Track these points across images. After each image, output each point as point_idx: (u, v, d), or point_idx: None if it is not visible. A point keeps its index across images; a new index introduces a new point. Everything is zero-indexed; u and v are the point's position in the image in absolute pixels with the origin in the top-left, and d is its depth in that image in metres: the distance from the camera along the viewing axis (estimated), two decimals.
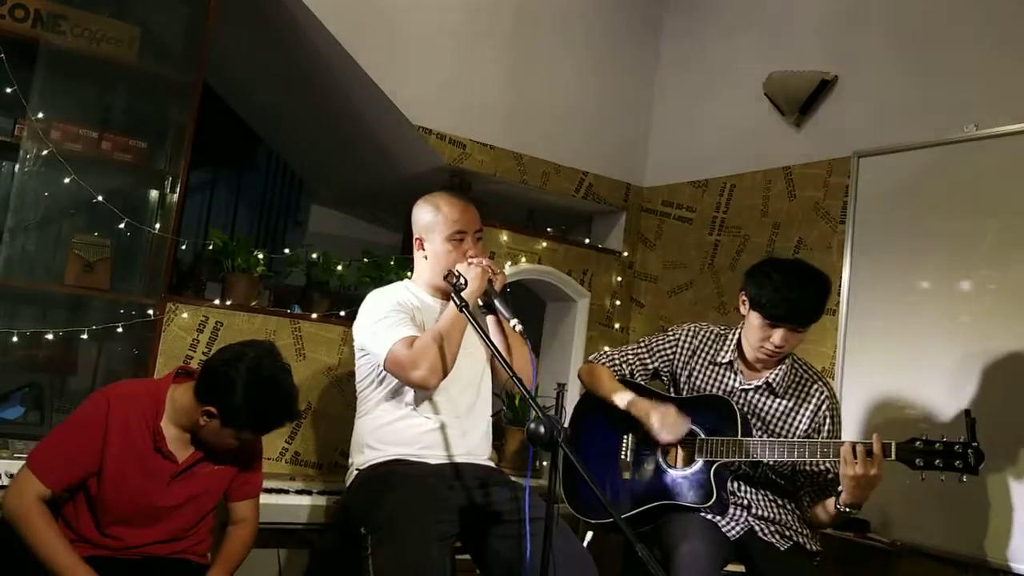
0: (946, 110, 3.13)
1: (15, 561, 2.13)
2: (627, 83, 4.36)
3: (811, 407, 2.60)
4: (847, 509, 2.41)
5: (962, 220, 3.01)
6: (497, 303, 2.49)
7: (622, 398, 2.70)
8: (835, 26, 3.62)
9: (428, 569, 2.21)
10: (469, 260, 2.55)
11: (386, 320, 2.52)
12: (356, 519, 2.40)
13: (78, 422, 2.22)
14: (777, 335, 2.49)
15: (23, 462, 2.20)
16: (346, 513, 2.56)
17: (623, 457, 2.73)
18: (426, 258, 2.66)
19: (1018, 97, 2.94)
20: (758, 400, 2.63)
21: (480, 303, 2.56)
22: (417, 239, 2.68)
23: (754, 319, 2.54)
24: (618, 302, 4.32)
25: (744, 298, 2.58)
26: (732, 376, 2.66)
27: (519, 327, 2.32)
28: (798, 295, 2.45)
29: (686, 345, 2.77)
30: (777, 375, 2.61)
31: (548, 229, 4.20)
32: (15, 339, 2.95)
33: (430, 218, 2.63)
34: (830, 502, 2.49)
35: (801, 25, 3.76)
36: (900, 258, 3.16)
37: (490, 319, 2.66)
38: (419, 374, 2.41)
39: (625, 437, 2.74)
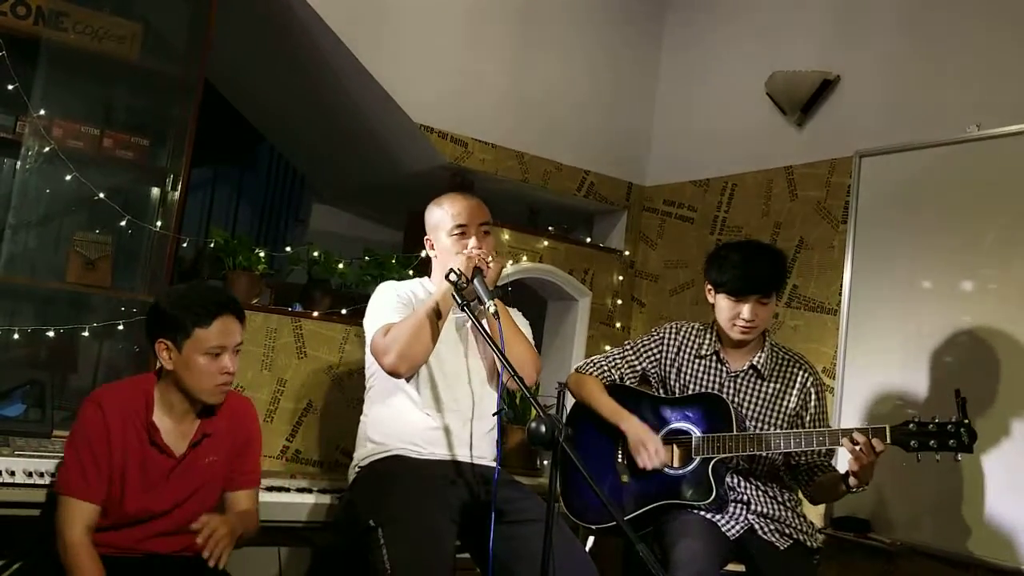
0: (948, 110, 3.12)
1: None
2: (629, 82, 4.36)
3: (797, 386, 2.69)
4: (856, 489, 2.46)
5: (964, 220, 3.00)
6: (476, 283, 2.44)
7: (611, 413, 2.73)
8: (837, 26, 3.61)
9: (444, 560, 2.26)
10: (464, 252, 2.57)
11: (381, 310, 2.61)
12: (363, 513, 2.41)
13: (84, 433, 2.21)
14: (746, 309, 2.61)
15: (54, 486, 2.22)
16: (352, 507, 2.56)
17: (619, 460, 2.74)
18: (436, 256, 2.74)
19: (1021, 98, 2.93)
20: (748, 386, 2.70)
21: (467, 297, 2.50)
22: (427, 239, 2.76)
23: (722, 301, 2.66)
24: (619, 301, 4.32)
25: (708, 286, 2.71)
26: (719, 365, 2.74)
27: (493, 308, 2.35)
28: (755, 266, 2.61)
29: (671, 342, 2.82)
30: (760, 358, 2.70)
31: (549, 228, 4.19)
32: (16, 336, 2.95)
33: (436, 217, 2.72)
34: (838, 484, 2.51)
35: (803, 25, 3.75)
36: (901, 258, 3.16)
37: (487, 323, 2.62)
38: (388, 360, 2.48)
39: (621, 440, 2.75)
